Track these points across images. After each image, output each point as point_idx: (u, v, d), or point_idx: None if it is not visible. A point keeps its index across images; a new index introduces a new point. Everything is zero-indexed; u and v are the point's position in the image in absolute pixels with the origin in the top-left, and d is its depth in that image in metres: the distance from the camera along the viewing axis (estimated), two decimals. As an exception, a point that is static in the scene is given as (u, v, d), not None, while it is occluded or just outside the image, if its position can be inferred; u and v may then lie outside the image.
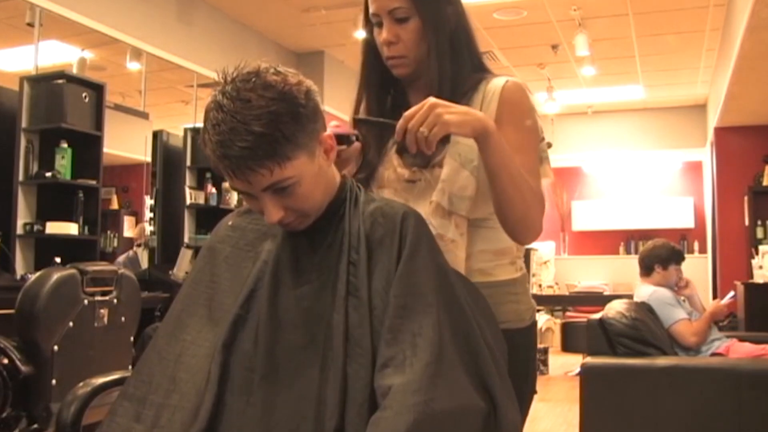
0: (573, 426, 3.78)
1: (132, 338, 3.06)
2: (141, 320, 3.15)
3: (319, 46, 6.90)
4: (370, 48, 1.42)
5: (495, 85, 1.36)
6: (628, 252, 10.51)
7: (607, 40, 6.72)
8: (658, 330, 3.38)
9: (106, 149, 4.33)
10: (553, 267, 9.99)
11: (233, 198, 5.45)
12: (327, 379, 1.06)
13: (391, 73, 1.40)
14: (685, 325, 3.44)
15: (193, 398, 1.10)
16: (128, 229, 5.11)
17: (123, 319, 2.95)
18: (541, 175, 1.37)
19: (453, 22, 1.38)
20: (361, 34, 1.44)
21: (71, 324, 2.68)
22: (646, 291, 3.62)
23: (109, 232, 4.89)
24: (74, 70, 4.69)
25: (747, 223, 7.52)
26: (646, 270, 3.73)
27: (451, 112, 1.18)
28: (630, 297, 3.74)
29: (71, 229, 4.10)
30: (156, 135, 5.22)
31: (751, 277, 6.45)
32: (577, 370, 3.37)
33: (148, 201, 5.17)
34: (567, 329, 6.58)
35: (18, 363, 2.51)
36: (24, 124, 4.04)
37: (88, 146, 4.22)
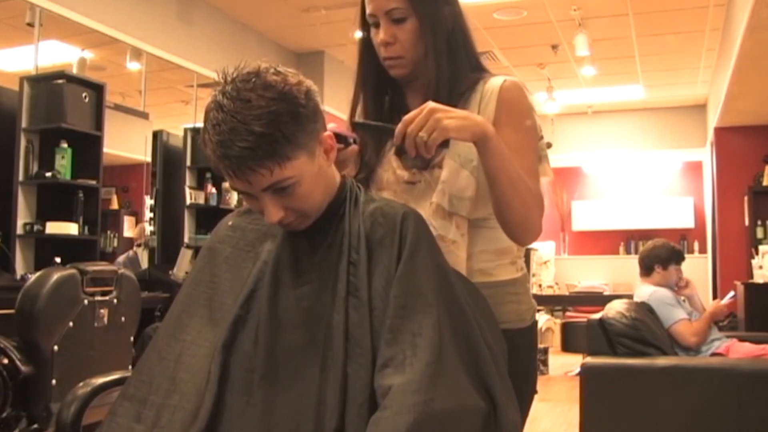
0: (573, 426, 3.78)
1: (132, 338, 3.06)
2: (141, 320, 3.15)
3: (319, 46, 6.90)
4: (366, 48, 1.42)
5: (493, 85, 1.36)
6: (628, 252, 10.51)
7: (607, 40, 6.72)
8: (658, 330, 3.38)
9: (106, 149, 4.33)
10: (553, 267, 9.99)
11: (233, 198, 5.45)
12: (327, 379, 1.06)
13: (388, 74, 1.40)
14: (685, 325, 3.44)
15: (193, 398, 1.10)
16: (128, 229, 5.11)
17: (123, 319, 2.95)
18: (540, 174, 1.37)
19: (450, 23, 1.37)
20: (360, 34, 1.44)
21: (71, 324, 2.68)
22: (646, 291, 3.62)
23: (109, 232, 4.89)
24: (74, 70, 4.69)
25: (747, 223, 7.52)
26: (646, 270, 3.73)
27: (451, 116, 1.18)
28: (630, 297, 3.74)
29: (71, 229, 4.10)
30: (156, 135, 5.22)
31: (751, 277, 6.45)
32: (577, 370, 3.37)
33: (148, 201, 5.17)
34: (567, 329, 6.58)
35: (18, 363, 2.51)
36: (24, 124, 4.05)
37: (88, 146, 4.22)
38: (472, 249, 1.35)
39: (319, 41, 6.74)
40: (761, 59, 5.19)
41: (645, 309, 3.45)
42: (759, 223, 7.42)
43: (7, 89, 4.11)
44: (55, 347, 2.61)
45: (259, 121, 1.03)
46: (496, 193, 1.26)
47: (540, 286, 8.81)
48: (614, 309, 3.32)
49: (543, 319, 7.49)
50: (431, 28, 1.34)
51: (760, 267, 6.18)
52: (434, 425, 0.98)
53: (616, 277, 10.18)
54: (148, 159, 5.07)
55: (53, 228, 4.02)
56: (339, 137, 1.26)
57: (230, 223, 1.29)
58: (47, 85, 4.15)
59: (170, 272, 4.71)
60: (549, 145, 1.50)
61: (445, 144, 1.19)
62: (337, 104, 5.78)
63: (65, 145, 4.10)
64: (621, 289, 9.00)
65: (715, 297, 7.71)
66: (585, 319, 3.73)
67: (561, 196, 10.61)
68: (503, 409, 1.08)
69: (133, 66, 5.33)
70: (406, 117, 1.18)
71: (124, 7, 5.00)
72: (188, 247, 4.90)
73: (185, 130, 5.45)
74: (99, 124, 4.29)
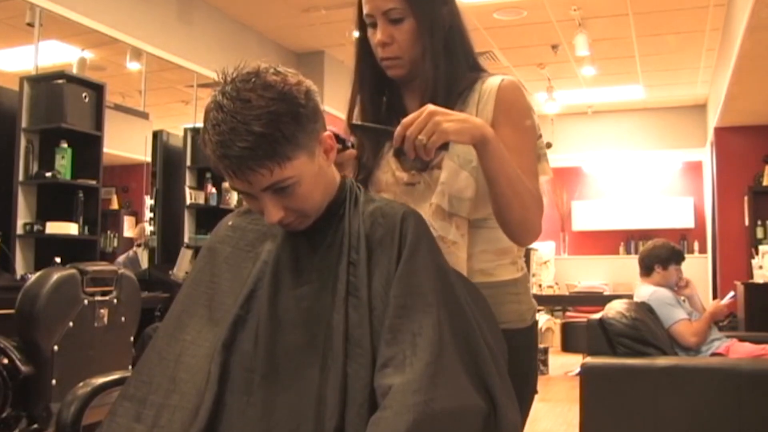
0: (573, 426, 3.78)
1: (132, 338, 3.06)
2: (141, 320, 3.15)
3: (319, 46, 6.91)
4: (363, 49, 1.41)
5: (491, 84, 1.36)
6: (628, 252, 10.51)
7: (607, 40, 6.72)
8: (658, 330, 3.38)
9: (106, 149, 4.33)
10: (553, 267, 9.99)
11: (233, 198, 5.45)
12: (327, 379, 1.06)
13: (385, 74, 1.39)
14: (685, 326, 3.44)
15: (193, 398, 1.10)
16: (128, 229, 5.11)
17: (123, 319, 2.95)
18: (540, 173, 1.37)
19: (448, 23, 1.37)
20: (357, 34, 1.44)
21: (71, 324, 2.68)
22: (646, 291, 3.62)
23: (109, 232, 4.89)
24: (74, 70, 4.69)
25: (747, 223, 7.52)
26: (646, 270, 3.73)
27: (450, 119, 1.17)
28: (630, 297, 3.74)
29: (71, 229, 4.10)
30: (156, 135, 5.22)
31: (751, 277, 6.45)
32: (577, 370, 3.37)
33: (148, 201, 5.17)
34: (567, 329, 6.58)
35: (18, 363, 2.51)
36: (24, 124, 4.04)
37: (88, 146, 4.22)
38: (473, 249, 1.35)
39: (319, 41, 6.74)
40: (761, 59, 5.19)
41: (645, 309, 3.45)
42: (759, 223, 7.42)
43: (7, 89, 4.11)
44: (55, 347, 2.61)
45: (259, 121, 1.03)
46: (496, 195, 1.26)
47: (540, 286, 8.81)
48: (614, 309, 3.32)
49: (543, 319, 7.49)
50: (429, 28, 1.34)
51: (760, 267, 6.18)
52: (434, 425, 0.98)
53: (616, 277, 10.18)
54: (148, 159, 5.07)
55: (53, 228, 4.02)
56: (337, 139, 1.26)
57: (230, 223, 1.29)
58: (47, 85, 4.15)
59: (170, 272, 4.71)
60: (549, 145, 1.50)
61: (444, 146, 1.19)
62: (337, 104, 5.74)
63: (65, 145, 4.10)
64: (621, 289, 9.00)
65: (715, 297, 7.71)
66: (585, 319, 3.73)
67: (561, 196, 10.61)
68: (503, 409, 1.08)
69: (133, 66, 5.33)
70: (405, 120, 1.18)
71: (124, 7, 5.00)
72: (188, 247, 4.90)
73: (185, 130, 5.45)
74: (99, 124, 4.29)
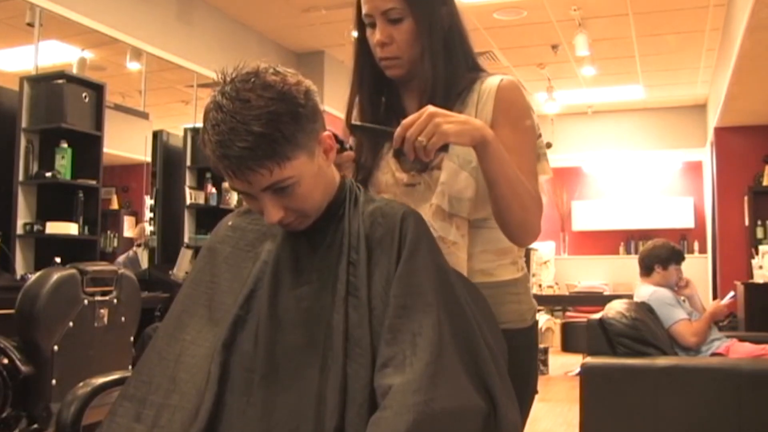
0: (573, 426, 3.78)
1: (132, 338, 3.06)
2: (141, 320, 3.15)
3: (319, 46, 6.91)
4: (362, 49, 1.41)
5: (490, 84, 1.35)
6: (628, 252, 10.51)
7: (607, 40, 6.72)
8: (658, 330, 3.38)
9: (106, 149, 4.33)
10: (553, 267, 9.99)
11: (233, 198, 5.45)
12: (327, 379, 1.06)
13: (384, 75, 1.39)
14: (685, 326, 3.44)
15: (193, 398, 1.10)
16: (128, 229, 5.11)
17: (123, 319, 2.95)
18: (539, 172, 1.37)
19: (447, 23, 1.37)
20: (356, 34, 1.44)
21: (71, 324, 2.68)
22: (646, 291, 3.62)
23: (109, 232, 4.89)
24: (74, 70, 4.69)
25: (747, 223, 7.52)
26: (646, 270, 3.73)
27: (450, 121, 1.17)
28: (630, 297, 3.74)
29: (71, 229, 4.10)
30: (156, 135, 5.22)
31: (751, 277, 6.45)
32: (577, 370, 3.37)
33: (148, 201, 5.17)
34: (567, 329, 6.58)
35: (18, 363, 2.51)
36: (24, 124, 4.04)
37: (88, 146, 4.22)
38: (473, 249, 1.35)
39: (319, 41, 6.74)
40: (761, 59, 5.18)
41: (645, 309, 3.45)
42: (759, 223, 7.42)
43: (7, 89, 4.11)
44: (55, 347, 2.61)
45: (258, 121, 1.03)
46: (495, 196, 1.26)
47: (540, 286, 8.81)
48: (614, 309, 3.32)
49: (543, 319, 7.49)
50: (428, 28, 1.34)
51: (760, 267, 6.18)
52: (434, 425, 0.98)
53: (616, 277, 10.18)
54: (148, 159, 5.07)
55: (53, 228, 4.02)
56: (335, 140, 1.26)
57: (230, 223, 1.29)
58: (47, 85, 4.15)
59: (170, 272, 4.71)
60: (549, 145, 1.50)
61: (444, 148, 1.19)
62: (337, 104, 5.72)
63: (65, 145, 4.10)
64: (621, 289, 9.00)
65: (715, 297, 7.71)
66: (585, 319, 3.73)
67: (561, 195, 10.61)
68: (503, 409, 1.08)
69: (133, 66, 5.33)
70: (405, 121, 1.18)
71: (124, 7, 5.00)
72: (188, 247, 4.90)
73: (185, 130, 5.45)
74: (99, 124, 4.29)
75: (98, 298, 2.82)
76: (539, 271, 9.27)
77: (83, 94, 4.21)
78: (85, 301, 2.76)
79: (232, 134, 1.03)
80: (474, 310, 1.17)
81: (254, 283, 1.17)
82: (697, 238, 10.20)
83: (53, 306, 2.62)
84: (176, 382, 1.13)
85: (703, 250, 9.91)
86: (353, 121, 1.42)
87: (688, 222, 10.35)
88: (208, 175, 5.42)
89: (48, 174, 4.02)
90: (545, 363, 6.71)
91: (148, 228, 5.13)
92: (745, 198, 7.57)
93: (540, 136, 1.42)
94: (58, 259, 3.76)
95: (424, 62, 1.35)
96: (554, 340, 7.29)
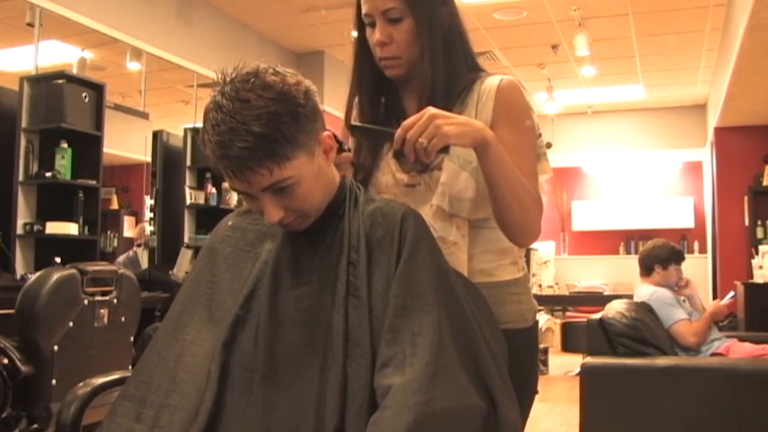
0: (573, 426, 3.78)
1: (132, 338, 3.06)
2: (141, 320, 3.15)
3: (319, 46, 6.91)
4: (362, 49, 1.41)
5: (490, 84, 1.35)
6: (628, 252, 10.51)
7: (607, 40, 6.72)
8: (658, 330, 3.38)
9: (106, 149, 4.33)
10: (553, 267, 9.99)
11: (233, 198, 5.45)
12: (327, 380, 1.06)
13: (383, 75, 1.39)
14: (685, 326, 3.44)
15: (193, 398, 1.10)
16: (128, 229, 5.11)
17: (123, 319, 2.95)
18: (539, 172, 1.37)
19: (447, 23, 1.37)
20: (356, 34, 1.43)
21: (71, 324, 2.68)
22: (646, 291, 3.62)
23: (109, 232, 4.89)
24: (74, 70, 4.69)
25: (747, 223, 7.52)
26: (646, 270, 3.73)
27: (451, 123, 1.17)
28: (630, 297, 3.74)
29: (71, 229, 4.10)
30: (156, 135, 5.22)
31: (751, 277, 6.45)
32: (577, 370, 3.37)
33: (148, 201, 5.17)
34: (567, 329, 6.58)
35: (18, 363, 2.51)
36: (24, 124, 4.04)
37: (88, 146, 4.22)
38: (474, 249, 1.35)
39: (319, 41, 6.74)
40: (761, 59, 5.18)
41: (645, 309, 3.45)
42: (759, 223, 7.42)
43: (7, 89, 4.11)
44: (55, 347, 2.61)
45: (258, 122, 1.03)
46: (496, 197, 1.26)
47: (540, 286, 8.81)
48: (614, 309, 3.32)
49: (543, 319, 7.49)
50: (427, 28, 1.33)
51: (760, 267, 6.18)
52: (434, 425, 0.98)
53: (616, 277, 10.18)
54: (148, 159, 5.07)
55: (53, 228, 4.02)
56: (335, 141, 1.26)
57: (230, 223, 1.29)
58: (47, 85, 4.15)
59: (170, 272, 4.71)
60: (549, 145, 1.50)
61: (445, 149, 1.19)
62: (337, 104, 5.72)
63: (65, 145, 4.10)
64: (621, 289, 9.00)
65: (715, 297, 7.71)
66: (585, 319, 3.73)
67: (561, 195, 10.61)
68: (503, 409, 1.08)
69: (133, 66, 5.33)
70: (406, 122, 1.18)
71: (124, 7, 4.99)
72: (188, 247, 4.90)
73: (185, 130, 5.45)
74: (99, 124, 4.29)
75: (98, 298, 2.82)
76: (539, 271, 9.27)
77: (83, 94, 4.21)
78: (85, 301, 2.76)
79: (232, 134, 1.03)
80: (474, 310, 1.17)
81: (254, 283, 1.17)
82: (697, 238, 10.20)
83: (53, 306, 2.62)
84: (176, 382, 1.13)
85: (703, 250, 9.91)
86: (353, 122, 1.42)
87: (688, 222, 10.35)
88: (208, 175, 5.42)
89: (48, 174, 4.02)
90: (545, 363, 6.71)
91: (148, 228, 5.13)
92: (745, 198, 7.57)
93: (540, 135, 1.42)
94: (58, 259, 3.76)
95: (424, 62, 1.34)
96: (554, 340, 7.29)
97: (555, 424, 4.68)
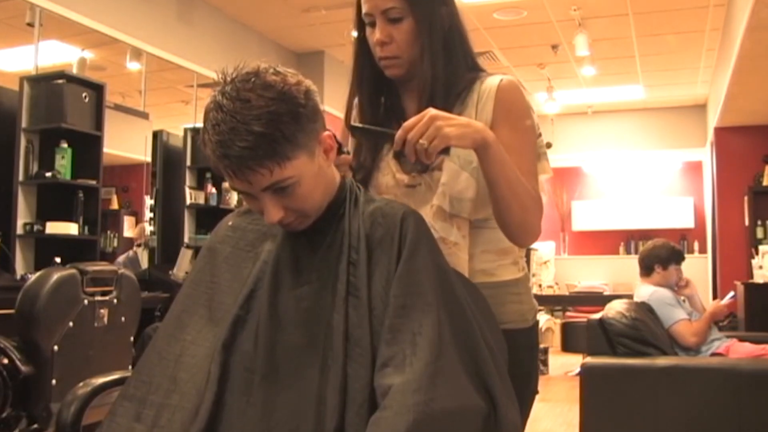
0: (573, 426, 3.78)
1: (132, 338, 3.06)
2: (141, 320, 3.15)
3: (319, 46, 6.91)
4: (362, 49, 1.41)
5: (490, 84, 1.35)
6: (628, 252, 10.51)
7: (607, 40, 6.72)
8: (658, 330, 3.38)
9: (106, 149, 4.33)
10: (553, 267, 9.99)
11: (233, 198, 5.45)
12: (327, 380, 1.06)
13: (384, 75, 1.39)
14: (685, 326, 3.44)
15: (193, 398, 1.10)
16: (128, 229, 5.11)
17: (123, 319, 2.95)
18: (540, 171, 1.37)
19: (447, 23, 1.37)
20: (356, 34, 1.43)
21: (71, 324, 2.68)
22: (646, 291, 3.62)
23: (109, 232, 4.89)
24: (74, 70, 4.69)
25: (747, 223, 7.52)
26: (646, 270, 3.73)
27: (451, 124, 1.17)
28: (630, 297, 3.74)
29: (71, 229, 4.10)
30: (156, 135, 5.22)
31: (751, 277, 6.45)
32: (577, 370, 3.37)
33: (148, 201, 5.17)
34: (567, 329, 6.59)
35: (18, 363, 2.51)
36: (24, 124, 4.04)
37: (88, 146, 4.22)
38: (474, 249, 1.35)
39: (319, 41, 6.74)
40: (761, 59, 5.18)
41: (645, 309, 3.45)
42: (759, 223, 7.42)
43: (7, 89, 4.11)
44: (55, 347, 2.61)
45: (258, 121, 1.03)
46: (496, 198, 1.26)
47: (540, 286, 8.81)
48: (614, 309, 3.32)
49: (543, 319, 7.48)
50: (428, 28, 1.33)
51: (760, 267, 6.18)
52: (434, 425, 0.98)
53: (616, 277, 10.18)
54: (148, 159, 5.07)
55: (53, 228, 4.02)
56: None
57: (230, 223, 1.29)
58: (47, 85, 4.15)
59: (170, 272, 4.71)
60: (549, 145, 1.50)
61: (445, 150, 1.19)
62: (337, 104, 5.71)
63: (65, 145, 4.10)
64: (621, 289, 9.00)
65: (715, 297, 7.71)
66: (585, 319, 3.73)
67: (561, 195, 10.60)
68: (503, 409, 1.08)
69: (133, 66, 5.33)
70: (407, 123, 1.18)
71: (124, 7, 4.99)
72: (188, 247, 4.90)
73: (185, 130, 5.45)
74: (99, 124, 4.29)
75: (98, 298, 2.82)
76: (539, 271, 9.27)
77: (83, 94, 4.21)
78: (85, 301, 2.76)
79: (232, 134, 1.03)
80: (474, 310, 1.17)
81: (254, 283, 1.17)
82: (697, 238, 10.20)
83: (53, 306, 2.62)
84: (176, 382, 1.13)
85: (703, 250, 9.91)
86: (353, 122, 1.42)
87: (688, 222, 10.35)
88: (208, 175, 5.43)
89: (48, 174, 4.02)
90: (545, 363, 6.71)
91: (148, 228, 5.13)
92: (745, 198, 7.57)
93: (540, 135, 1.42)
94: (58, 259, 3.75)
95: (424, 62, 1.34)
96: (554, 340, 7.29)
97: (555, 424, 4.68)
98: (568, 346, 6.50)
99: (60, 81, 4.17)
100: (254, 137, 1.03)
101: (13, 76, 4.26)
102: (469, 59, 1.41)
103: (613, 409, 3.15)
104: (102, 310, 2.83)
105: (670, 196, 10.57)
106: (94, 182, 4.24)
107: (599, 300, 6.34)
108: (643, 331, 3.23)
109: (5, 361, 2.49)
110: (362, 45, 1.40)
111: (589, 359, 3.26)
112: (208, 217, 5.40)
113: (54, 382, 2.59)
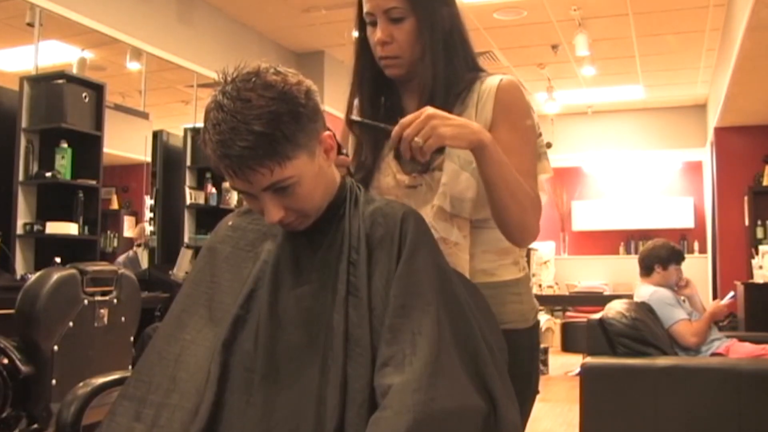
0: (573, 426, 3.78)
1: (132, 338, 3.06)
2: (141, 320, 3.15)
3: (319, 46, 6.91)
4: (363, 48, 1.40)
5: (489, 84, 1.35)
6: (628, 252, 10.51)
7: (607, 40, 6.72)
8: (658, 330, 3.38)
9: (106, 149, 4.33)
10: (553, 267, 9.99)
11: (233, 198, 5.45)
12: (327, 379, 1.06)
13: (384, 74, 1.39)
14: (685, 326, 3.44)
15: (193, 398, 1.10)
16: (128, 229, 5.11)
17: (123, 319, 2.95)
18: (540, 171, 1.37)
19: (448, 23, 1.36)
20: (357, 34, 1.43)
21: (71, 324, 2.68)
22: (646, 291, 3.62)
23: (109, 232, 4.89)
24: (74, 70, 4.69)
25: (747, 223, 7.52)
26: (646, 270, 3.73)
27: (448, 124, 1.17)
28: (630, 297, 3.74)
29: (71, 229, 4.10)
30: (156, 135, 5.22)
31: (751, 277, 6.45)
32: (577, 370, 3.37)
33: (148, 201, 5.17)
34: (567, 329, 6.59)
35: (18, 363, 2.51)
36: (24, 124, 4.04)
37: (88, 146, 4.22)
38: (475, 249, 1.35)
39: (319, 41, 6.74)
40: (761, 59, 5.18)
41: (645, 309, 3.45)
42: (759, 223, 7.42)
43: (7, 89, 4.11)
44: (55, 347, 2.61)
45: (259, 121, 1.03)
46: (494, 198, 1.26)
47: (540, 286, 8.81)
48: (614, 309, 3.32)
49: (543, 319, 7.48)
50: (429, 28, 1.33)
51: (760, 267, 6.18)
52: (434, 425, 0.98)
53: (616, 277, 10.18)
54: (148, 159, 5.07)
55: (53, 228, 4.02)
56: None
57: (230, 223, 1.29)
58: (47, 85, 4.15)
59: (170, 272, 4.70)
60: (549, 145, 1.50)
61: (440, 150, 1.19)
62: (337, 104, 5.72)
63: (65, 145, 4.10)
64: (621, 289, 9.00)
65: (715, 297, 7.71)
66: (585, 319, 3.73)
67: (561, 195, 10.60)
68: (503, 409, 1.08)
69: (133, 66, 5.33)
70: (404, 120, 1.18)
71: (124, 8, 4.99)
72: (188, 247, 4.90)
73: (185, 130, 5.46)
74: (99, 124, 4.29)
75: (98, 298, 2.82)
76: (539, 271, 9.28)
77: (83, 94, 4.21)
78: (85, 301, 2.76)
79: (232, 134, 1.03)
80: (474, 310, 1.17)
81: (254, 282, 1.17)
82: (697, 238, 10.20)
83: (53, 306, 2.62)
84: (176, 382, 1.13)
85: (703, 250, 9.91)
86: (352, 117, 1.42)
87: (688, 222, 10.35)
88: (208, 175, 5.43)
89: (48, 174, 4.02)
90: (545, 363, 6.71)
91: (148, 228, 5.13)
92: (745, 198, 7.57)
93: (540, 135, 1.42)
94: (58, 259, 3.76)
95: (425, 62, 1.34)
96: (554, 340, 7.30)
97: (555, 424, 4.68)
98: (568, 346, 6.51)
99: (60, 81, 4.17)
100: (255, 137, 1.03)
101: (13, 76, 4.26)
102: (469, 59, 1.41)
103: (613, 409, 3.15)
104: (102, 310, 2.83)
105: (670, 196, 10.57)
106: (94, 182, 4.24)
107: (599, 300, 6.34)
108: (643, 331, 3.23)
109: (5, 361, 2.49)
110: (363, 45, 1.40)
111: (589, 359, 3.26)
112: (208, 217, 5.40)
113: (54, 382, 2.58)
